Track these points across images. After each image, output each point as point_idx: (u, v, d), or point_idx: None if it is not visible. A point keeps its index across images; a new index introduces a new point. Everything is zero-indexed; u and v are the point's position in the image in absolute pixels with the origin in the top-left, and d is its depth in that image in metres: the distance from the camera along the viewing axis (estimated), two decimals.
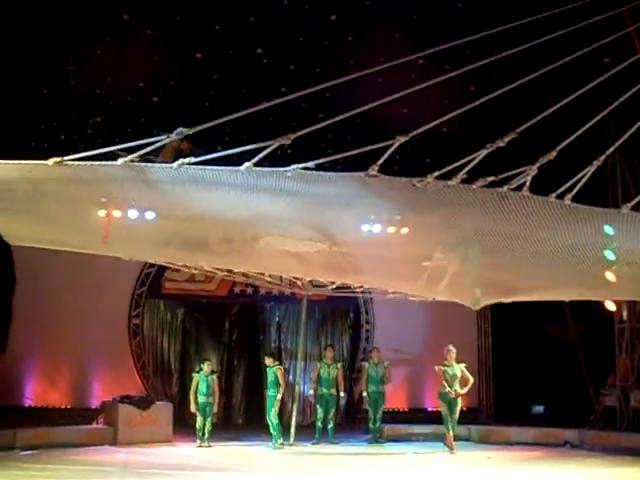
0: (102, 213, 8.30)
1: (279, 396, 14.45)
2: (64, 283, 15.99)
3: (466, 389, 14.50)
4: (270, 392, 14.58)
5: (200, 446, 14.15)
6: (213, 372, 15.04)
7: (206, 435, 14.36)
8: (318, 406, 15.26)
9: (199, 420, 14.41)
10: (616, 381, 16.42)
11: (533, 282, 8.37)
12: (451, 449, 13.95)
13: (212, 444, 14.27)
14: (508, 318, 17.18)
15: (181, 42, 13.17)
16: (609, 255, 8.14)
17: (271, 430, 14.38)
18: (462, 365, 14.53)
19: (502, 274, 8.01)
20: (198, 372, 14.85)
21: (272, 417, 14.43)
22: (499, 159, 6.44)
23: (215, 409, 14.75)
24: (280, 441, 14.31)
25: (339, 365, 15.66)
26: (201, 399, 14.48)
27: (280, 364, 15.30)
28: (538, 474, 11.47)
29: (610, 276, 9.28)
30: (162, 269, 16.93)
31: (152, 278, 17.18)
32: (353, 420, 17.33)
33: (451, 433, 14.16)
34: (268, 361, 14.90)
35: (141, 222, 8.16)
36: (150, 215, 8.31)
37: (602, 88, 7.39)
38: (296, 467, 11.94)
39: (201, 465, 12.12)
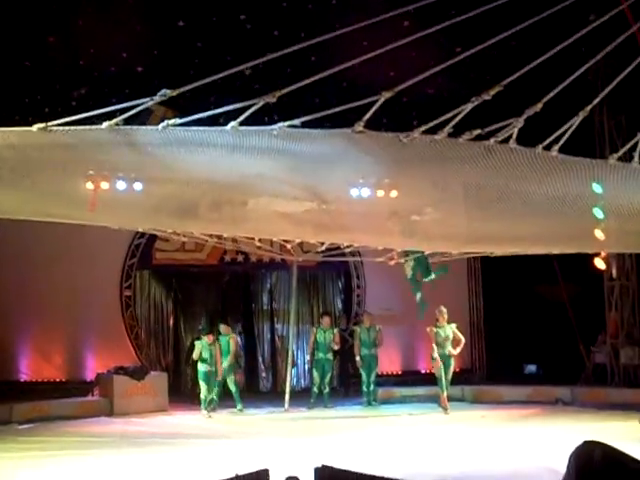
0: (90, 185, 8.26)
1: (226, 364, 14.56)
2: (54, 257, 15.94)
3: (458, 349, 14.55)
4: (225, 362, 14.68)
5: (210, 416, 14.07)
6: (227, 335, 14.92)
7: (213, 404, 14.39)
8: (315, 371, 15.33)
9: (204, 389, 14.29)
10: (606, 338, 16.59)
11: (521, 233, 8.40)
12: (445, 409, 14.02)
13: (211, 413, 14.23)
14: (499, 279, 17.29)
15: (164, 11, 13.02)
16: (598, 213, 8.17)
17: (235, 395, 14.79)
18: (453, 326, 14.55)
19: (490, 225, 8.03)
20: (199, 339, 14.74)
21: (230, 384, 14.70)
22: (486, 112, 6.43)
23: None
24: (240, 407, 14.67)
25: (335, 330, 15.72)
26: (204, 367, 14.33)
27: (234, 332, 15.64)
28: (531, 430, 11.63)
29: (599, 234, 9.34)
30: (152, 240, 16.91)
31: (142, 249, 17.14)
32: (347, 385, 17.43)
33: (445, 394, 14.19)
34: (223, 329, 14.91)
35: (129, 193, 8.13)
36: (138, 186, 8.28)
37: (588, 43, 7.36)
38: (292, 432, 12.01)
39: (197, 433, 12.22)
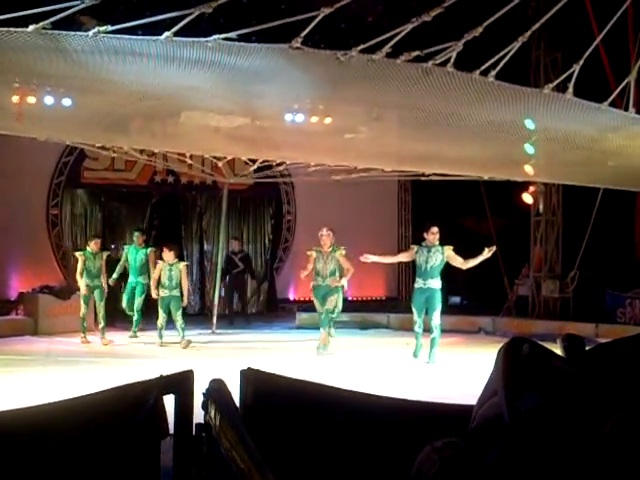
0: (15, 99, 7.96)
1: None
2: None
3: (346, 279, 12.33)
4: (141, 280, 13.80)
5: (162, 345, 12.80)
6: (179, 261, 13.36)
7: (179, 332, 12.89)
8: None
9: (161, 317, 12.89)
10: (529, 272, 17.06)
11: (454, 155, 8.48)
12: (321, 347, 12.10)
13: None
14: (427, 210, 17.47)
15: None
16: (529, 149, 8.29)
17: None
18: (342, 251, 12.21)
19: (423, 146, 8.07)
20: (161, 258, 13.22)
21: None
22: (425, 35, 6.38)
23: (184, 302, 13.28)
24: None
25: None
26: (163, 292, 12.95)
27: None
28: (454, 356, 11.94)
29: (529, 169, 9.51)
30: (80, 158, 16.51)
31: (70, 167, 16.71)
32: (274, 309, 17.56)
33: (324, 331, 12.18)
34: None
35: (57, 107, 7.87)
36: (67, 101, 8.01)
37: None
38: (220, 352, 12.06)
39: (123, 353, 12.18)
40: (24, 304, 14.89)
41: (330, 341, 12.33)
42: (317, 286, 12.30)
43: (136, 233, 14.31)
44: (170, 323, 13.05)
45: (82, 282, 13.38)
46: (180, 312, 12.96)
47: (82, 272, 13.34)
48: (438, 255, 11.38)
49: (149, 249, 14.12)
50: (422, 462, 1.49)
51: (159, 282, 12.99)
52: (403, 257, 12.63)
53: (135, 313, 13.88)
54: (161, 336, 12.99)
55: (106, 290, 13.51)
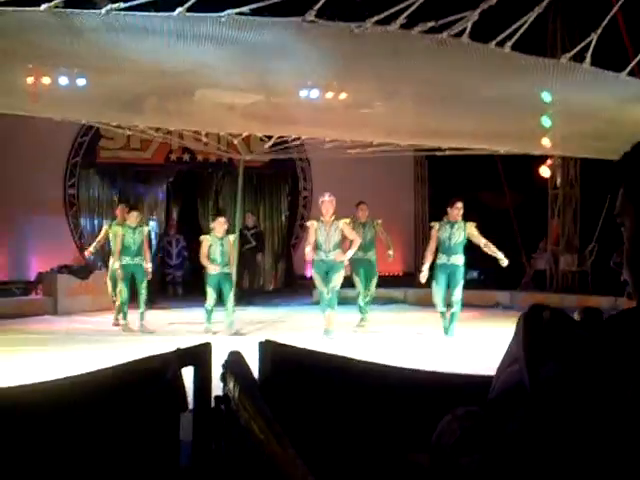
0: (30, 80, 7.96)
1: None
2: None
3: (352, 251, 11.19)
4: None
5: (211, 332, 11.36)
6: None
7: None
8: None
9: (211, 297, 11.64)
10: (547, 245, 16.98)
11: (469, 129, 8.40)
12: (327, 332, 11.04)
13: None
14: (444, 185, 17.36)
15: None
16: (545, 122, 8.20)
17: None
18: (345, 220, 11.16)
19: (439, 120, 8.01)
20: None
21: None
22: (440, 5, 6.30)
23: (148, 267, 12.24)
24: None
25: None
26: (215, 269, 11.65)
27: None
28: (472, 331, 11.94)
29: (546, 142, 9.40)
30: (96, 138, 16.58)
31: (86, 147, 16.80)
32: (292, 285, 17.59)
33: (328, 312, 11.08)
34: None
35: (72, 87, 7.87)
36: (81, 81, 8.00)
37: None
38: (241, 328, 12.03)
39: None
40: (43, 284, 15.01)
41: (334, 323, 11.16)
42: (319, 261, 10.94)
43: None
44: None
45: (117, 261, 12.19)
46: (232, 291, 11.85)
47: (120, 249, 12.13)
48: (461, 232, 11.22)
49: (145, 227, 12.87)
50: (442, 431, 1.48)
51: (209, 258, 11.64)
52: (433, 243, 11.53)
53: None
54: (210, 319, 11.65)
55: (149, 270, 12.31)
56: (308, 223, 11.38)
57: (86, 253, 13.72)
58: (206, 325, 11.66)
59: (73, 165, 16.84)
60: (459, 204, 11.18)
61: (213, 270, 11.57)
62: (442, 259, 11.23)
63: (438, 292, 11.31)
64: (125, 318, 12.18)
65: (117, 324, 12.59)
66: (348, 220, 11.16)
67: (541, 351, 1.36)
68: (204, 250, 11.67)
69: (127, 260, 12.15)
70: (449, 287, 11.32)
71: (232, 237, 12.01)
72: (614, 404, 1.21)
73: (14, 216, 15.94)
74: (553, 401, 1.26)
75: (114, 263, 12.32)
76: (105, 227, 13.44)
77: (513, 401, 1.36)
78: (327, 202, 10.89)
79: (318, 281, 11.07)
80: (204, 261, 11.69)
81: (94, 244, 13.48)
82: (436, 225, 11.40)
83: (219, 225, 11.85)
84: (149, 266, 12.35)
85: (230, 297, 11.70)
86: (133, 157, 17.20)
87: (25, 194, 15.76)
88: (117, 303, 12.52)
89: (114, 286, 12.69)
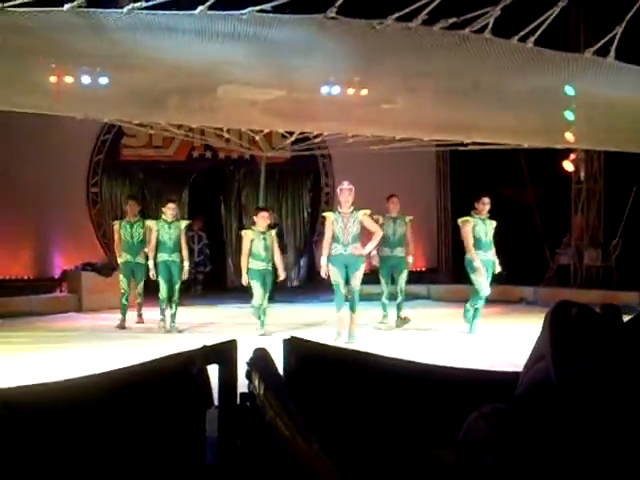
0: (53, 79, 8.01)
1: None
2: (18, 154, 15.60)
3: (373, 244, 10.83)
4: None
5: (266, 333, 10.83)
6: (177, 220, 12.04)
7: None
8: None
9: (260, 295, 11.17)
10: (571, 240, 16.85)
11: (492, 124, 8.37)
12: (339, 334, 10.31)
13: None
14: (466, 180, 17.29)
15: None
16: (569, 116, 8.15)
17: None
18: (366, 211, 10.46)
19: (461, 114, 7.98)
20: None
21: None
22: (462, 1, 6.27)
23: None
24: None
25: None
26: (259, 265, 11.10)
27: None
28: (496, 327, 11.89)
29: (569, 136, 9.34)
30: (119, 136, 16.66)
31: (109, 145, 16.88)
32: (314, 282, 17.59)
33: (351, 315, 10.40)
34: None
35: (94, 86, 7.92)
36: (104, 80, 8.06)
37: None
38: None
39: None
40: (68, 282, 15.13)
41: (356, 325, 10.54)
42: (337, 255, 10.19)
43: None
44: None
45: (151, 259, 11.82)
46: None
47: (155, 246, 11.69)
48: (491, 228, 11.14)
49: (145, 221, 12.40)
50: (469, 429, 1.48)
51: (251, 254, 10.99)
52: (471, 238, 11.06)
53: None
54: (264, 315, 11.17)
55: (186, 268, 11.86)
56: (324, 214, 10.88)
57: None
58: (264, 329, 11.00)
59: (96, 163, 16.94)
60: (486, 199, 11.02)
61: (257, 266, 10.99)
62: (481, 255, 10.99)
63: (483, 289, 11.13)
64: (164, 317, 11.76)
65: (140, 321, 12.65)
66: (369, 211, 10.45)
67: (568, 348, 1.36)
68: (246, 245, 10.98)
69: (164, 257, 11.63)
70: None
71: (274, 232, 11.43)
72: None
73: (38, 215, 16.06)
74: (581, 398, 1.26)
75: (149, 261, 11.83)
76: (115, 227, 12.73)
77: (541, 398, 1.36)
78: (346, 190, 10.29)
79: (334, 274, 10.25)
80: (244, 260, 11.07)
81: (116, 250, 12.81)
82: (471, 221, 11.08)
83: (262, 219, 11.10)
84: (186, 265, 11.86)
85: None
86: (155, 154, 17.27)
87: (49, 193, 15.89)
88: (137, 301, 12.59)
89: (128, 282, 12.58)
